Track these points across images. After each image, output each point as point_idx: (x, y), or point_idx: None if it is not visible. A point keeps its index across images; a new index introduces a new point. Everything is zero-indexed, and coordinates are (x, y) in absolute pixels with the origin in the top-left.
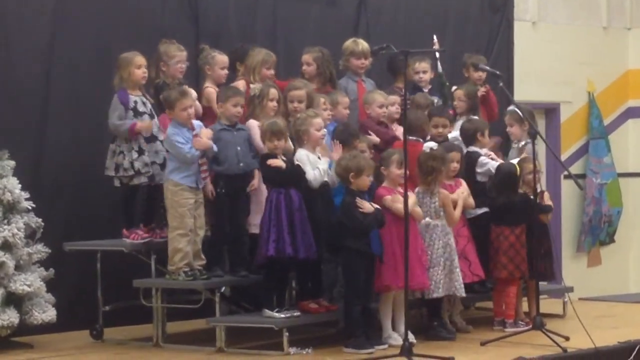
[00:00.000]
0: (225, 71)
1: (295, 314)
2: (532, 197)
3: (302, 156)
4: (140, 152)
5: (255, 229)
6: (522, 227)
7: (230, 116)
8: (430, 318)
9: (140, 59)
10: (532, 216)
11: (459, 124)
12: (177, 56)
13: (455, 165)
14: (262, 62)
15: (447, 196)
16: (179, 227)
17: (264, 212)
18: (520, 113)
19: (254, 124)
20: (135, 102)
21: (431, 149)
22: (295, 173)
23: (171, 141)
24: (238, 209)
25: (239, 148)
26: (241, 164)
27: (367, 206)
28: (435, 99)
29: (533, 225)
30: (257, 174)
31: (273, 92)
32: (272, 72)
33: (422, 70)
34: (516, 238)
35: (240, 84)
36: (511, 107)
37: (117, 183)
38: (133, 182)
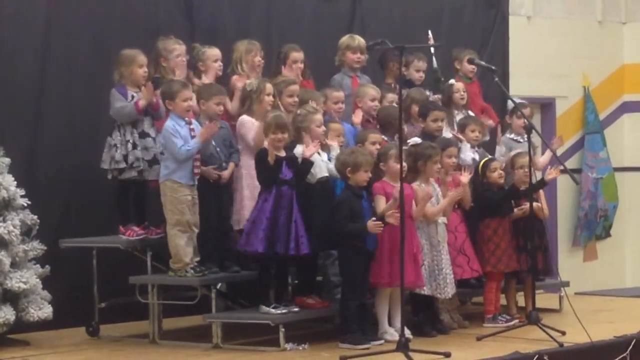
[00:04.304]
0: (219, 63)
1: (294, 309)
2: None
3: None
4: (134, 146)
5: (238, 226)
6: (488, 223)
7: (212, 114)
8: (414, 313)
9: (142, 59)
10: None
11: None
12: (176, 49)
13: (454, 161)
14: (246, 51)
15: (424, 192)
16: (178, 223)
17: (259, 206)
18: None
19: (246, 121)
20: (133, 97)
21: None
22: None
23: (168, 134)
24: (222, 204)
25: (217, 146)
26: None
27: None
28: (430, 94)
29: (529, 220)
30: (230, 168)
31: (269, 87)
32: (258, 58)
33: (423, 70)
34: (480, 235)
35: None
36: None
37: (109, 176)
38: (124, 176)
